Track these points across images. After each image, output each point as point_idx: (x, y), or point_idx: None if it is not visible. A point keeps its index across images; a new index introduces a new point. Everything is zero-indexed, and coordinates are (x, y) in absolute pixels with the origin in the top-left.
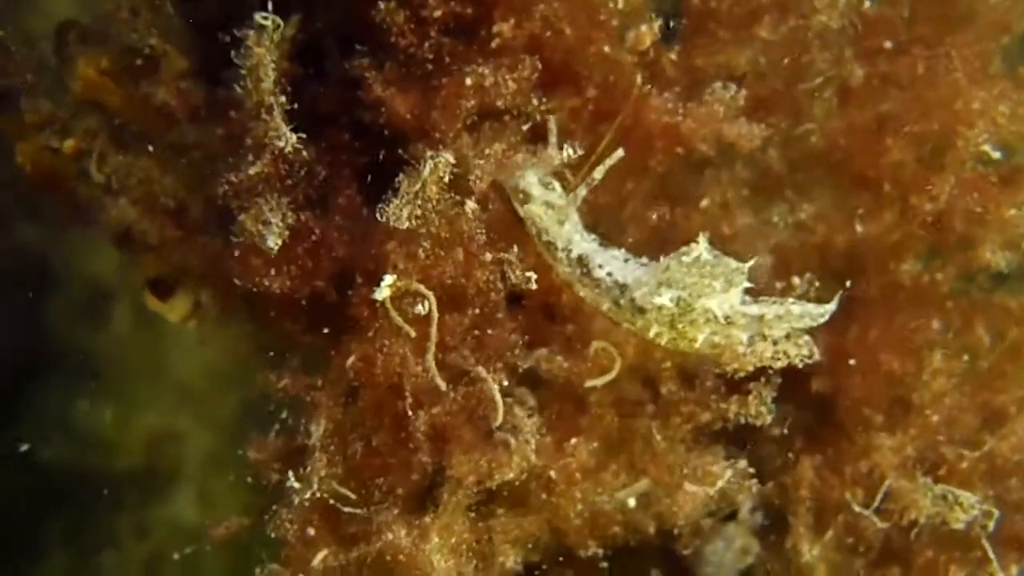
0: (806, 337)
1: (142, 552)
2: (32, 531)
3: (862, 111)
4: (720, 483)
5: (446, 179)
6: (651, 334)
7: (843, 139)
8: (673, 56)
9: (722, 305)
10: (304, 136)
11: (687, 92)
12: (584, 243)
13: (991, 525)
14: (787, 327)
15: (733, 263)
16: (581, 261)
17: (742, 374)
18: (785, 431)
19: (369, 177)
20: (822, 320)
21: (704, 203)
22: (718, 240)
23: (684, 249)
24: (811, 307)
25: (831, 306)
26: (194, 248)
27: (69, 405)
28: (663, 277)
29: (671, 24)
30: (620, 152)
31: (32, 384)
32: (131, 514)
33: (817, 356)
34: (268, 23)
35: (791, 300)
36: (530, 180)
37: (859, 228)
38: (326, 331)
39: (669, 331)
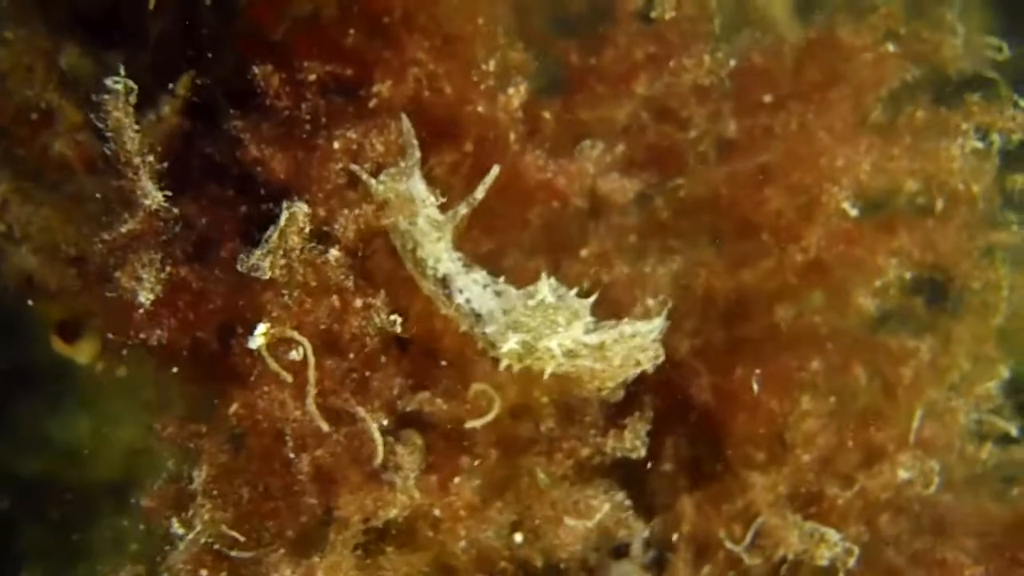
0: (655, 343)
1: (119, 563)
2: (9, 543)
3: (743, 161)
4: (598, 516)
5: (306, 228)
6: (502, 366)
7: (725, 188)
8: (547, 115)
9: (563, 343)
10: (188, 191)
11: (572, 143)
12: (449, 263)
13: (851, 562)
14: (624, 348)
15: (576, 303)
16: (444, 282)
17: (610, 388)
18: (673, 467)
19: (253, 229)
20: (653, 335)
21: (583, 253)
22: (598, 288)
23: (530, 290)
24: (641, 325)
25: (659, 321)
26: (93, 295)
27: (46, 419)
28: (510, 320)
29: None
30: (496, 170)
31: (9, 399)
32: (107, 525)
33: (662, 357)
34: (120, 87)
35: (625, 322)
36: (419, 186)
37: (741, 275)
38: (209, 379)
39: (518, 363)
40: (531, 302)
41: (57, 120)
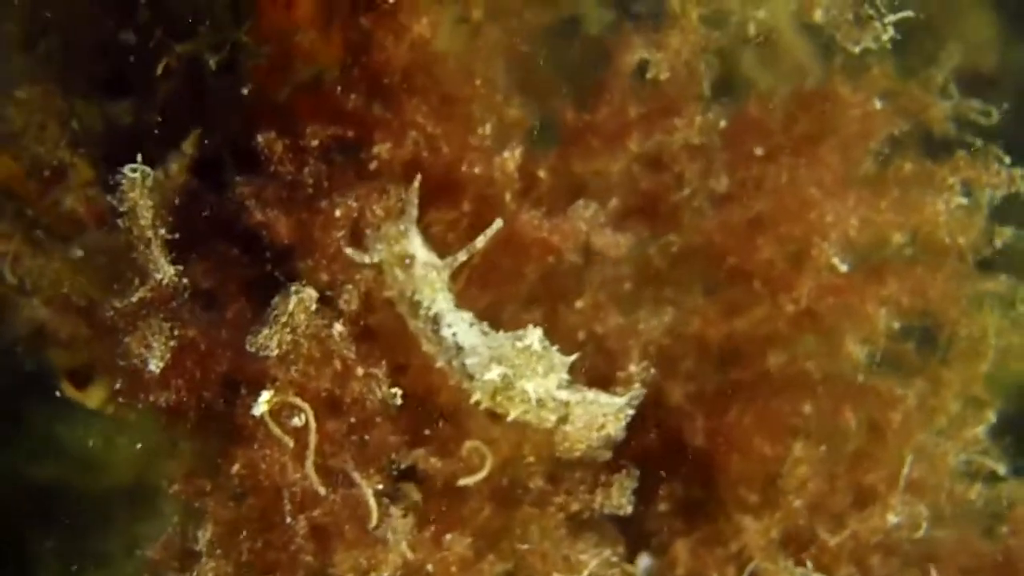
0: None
1: (131, 569)
2: (24, 550)
3: (736, 210)
4: (586, 572)
5: (312, 308)
6: (472, 399)
7: (718, 236)
8: (543, 173)
9: (538, 389)
10: (194, 250)
11: (568, 196)
12: (443, 303)
13: None
14: (587, 413)
15: (557, 358)
16: (435, 319)
17: (575, 453)
18: (668, 509)
19: (259, 289)
20: (613, 410)
21: (578, 304)
22: (592, 339)
23: (520, 333)
24: (605, 398)
25: (622, 400)
26: (102, 345)
27: (58, 425)
28: (496, 353)
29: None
30: (499, 223)
31: (23, 405)
32: (119, 532)
33: (622, 436)
34: (137, 176)
35: (594, 391)
36: (415, 242)
37: (733, 322)
38: (213, 437)
39: (489, 400)
40: (519, 344)
41: (68, 176)
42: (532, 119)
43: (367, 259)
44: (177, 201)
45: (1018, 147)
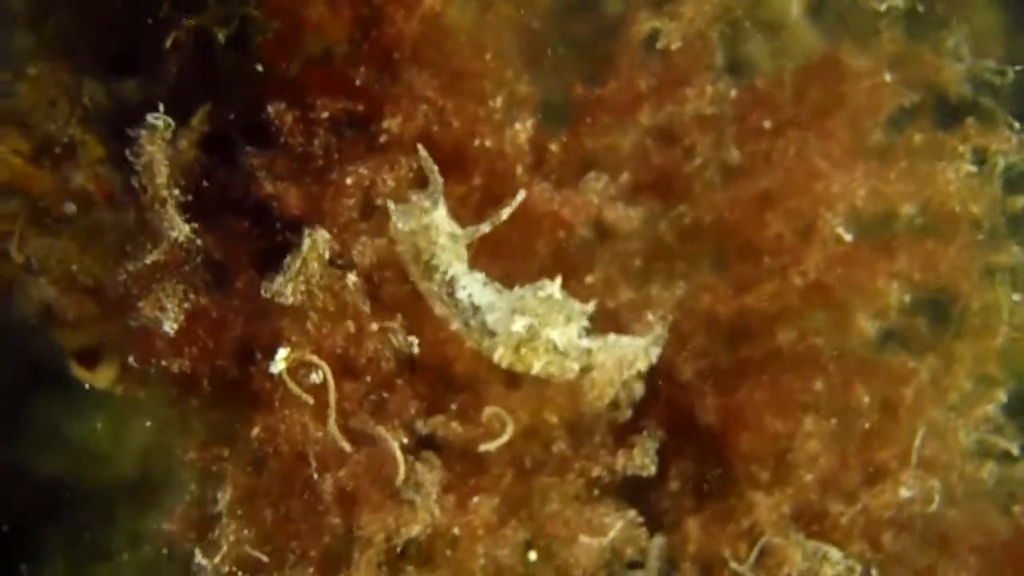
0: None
1: (135, 562)
2: (29, 543)
3: (745, 186)
4: (612, 533)
5: (326, 255)
6: (495, 356)
7: (728, 212)
8: (554, 146)
9: (562, 337)
10: (205, 223)
11: (580, 171)
12: (459, 265)
13: None
14: (612, 356)
15: (578, 306)
16: (451, 282)
17: (610, 395)
18: (679, 486)
19: (269, 259)
20: (642, 350)
21: (589, 279)
22: (603, 314)
23: (539, 284)
24: (628, 340)
25: (645, 341)
26: (111, 324)
27: (63, 418)
28: (517, 305)
29: None
30: (522, 194)
31: (27, 398)
32: (124, 525)
33: (654, 360)
34: (159, 123)
35: (614, 335)
36: (442, 213)
37: (744, 298)
38: (229, 405)
39: (512, 355)
40: (541, 293)
41: (79, 153)
42: (543, 94)
43: (400, 226)
44: (187, 175)
45: None
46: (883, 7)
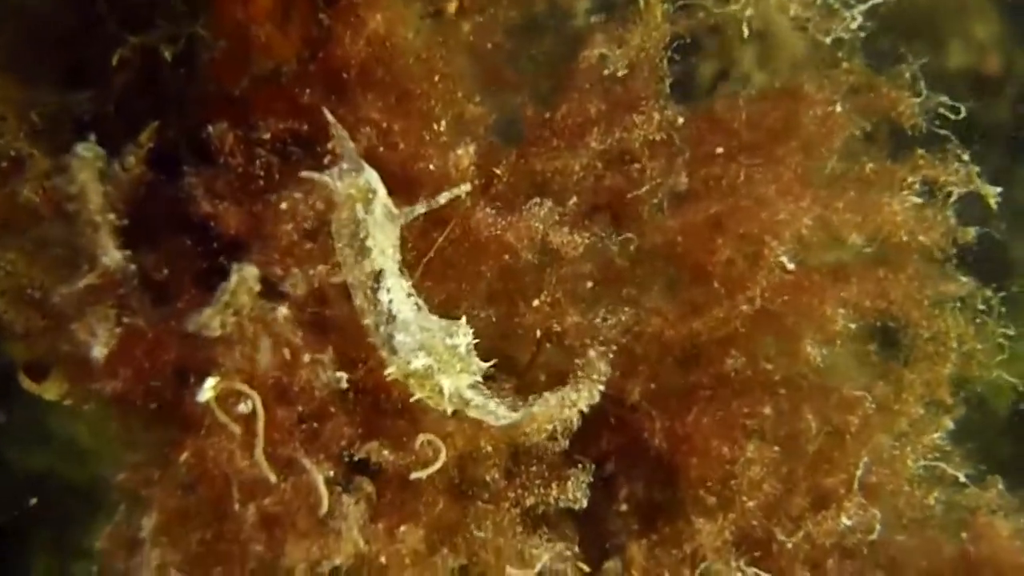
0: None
1: None
2: (13, 539)
3: (696, 210)
4: (539, 565)
5: (256, 288)
6: (385, 368)
7: (680, 236)
8: (499, 170)
9: (451, 386)
10: (148, 241)
11: (530, 193)
12: (390, 260)
13: None
14: (481, 417)
15: (477, 364)
16: (377, 276)
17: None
18: (628, 509)
19: (212, 279)
20: (500, 423)
21: (536, 303)
22: (553, 337)
23: (452, 328)
24: (499, 409)
25: (514, 416)
26: (58, 337)
27: (47, 415)
28: (425, 341)
29: None
30: (466, 187)
31: (10, 395)
32: (107, 523)
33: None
34: (90, 154)
35: (495, 400)
36: (374, 176)
37: (693, 323)
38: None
39: (400, 376)
40: (449, 341)
41: (27, 168)
42: (499, 115)
43: (331, 183)
44: (133, 192)
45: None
46: (828, 39)
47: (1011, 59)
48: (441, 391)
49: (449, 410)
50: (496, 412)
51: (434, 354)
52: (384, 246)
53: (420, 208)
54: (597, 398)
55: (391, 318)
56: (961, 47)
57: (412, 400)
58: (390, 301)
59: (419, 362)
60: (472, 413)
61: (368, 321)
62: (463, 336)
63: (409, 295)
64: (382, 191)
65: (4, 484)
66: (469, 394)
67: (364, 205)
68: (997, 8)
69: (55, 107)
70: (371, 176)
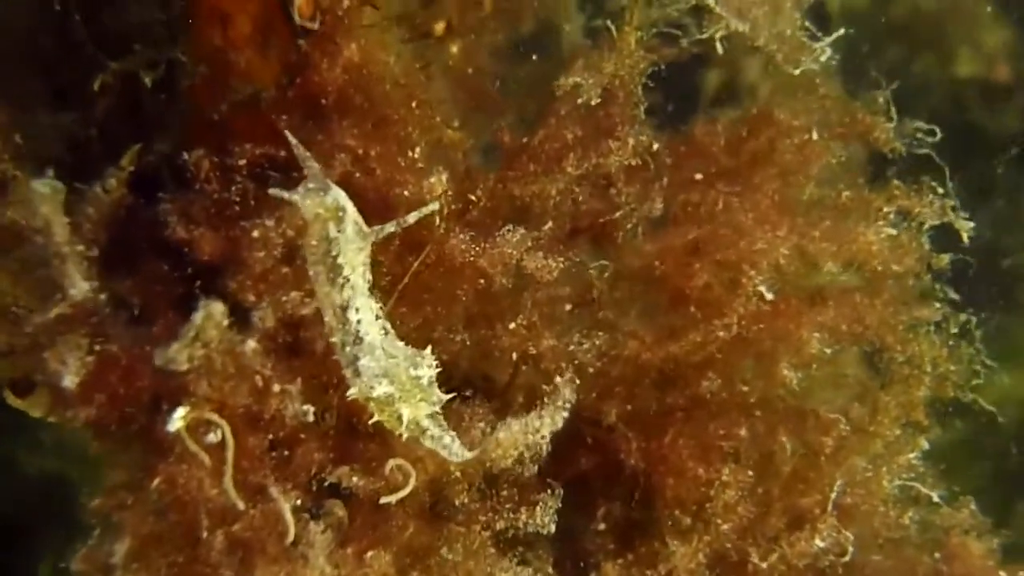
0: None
1: None
2: (23, 541)
3: (675, 235)
4: None
5: (223, 323)
6: (348, 389)
7: (657, 261)
8: (476, 195)
9: (410, 414)
10: (125, 266)
11: (508, 217)
12: (360, 280)
13: None
14: (434, 448)
15: (438, 395)
16: (348, 296)
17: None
18: (605, 529)
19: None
20: (453, 458)
21: (512, 325)
22: (528, 360)
23: (417, 359)
24: (453, 444)
25: (467, 455)
26: (41, 356)
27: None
28: (390, 369)
29: None
30: (435, 206)
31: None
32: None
33: (559, 425)
34: (47, 190)
35: (451, 434)
36: (341, 193)
37: (669, 347)
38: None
39: (361, 398)
40: (413, 372)
41: (9, 189)
42: (484, 138)
43: (299, 201)
44: (114, 216)
45: None
46: (797, 71)
47: (1020, 68)
48: (400, 418)
49: (405, 435)
50: (451, 447)
51: (396, 383)
52: (355, 263)
53: (390, 227)
54: (560, 425)
55: (358, 339)
56: (970, 56)
57: (371, 422)
58: (358, 322)
59: (381, 389)
60: (427, 443)
61: (335, 340)
62: (427, 368)
63: (377, 317)
64: (351, 208)
65: (13, 485)
66: (426, 423)
67: (336, 224)
68: (1006, 17)
69: (39, 129)
70: (338, 195)
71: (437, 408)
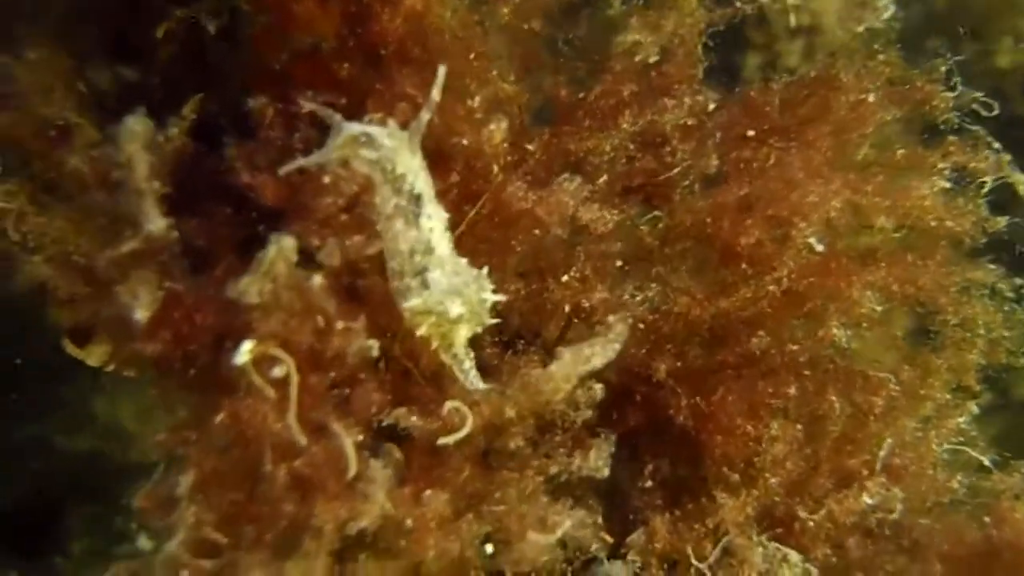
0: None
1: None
2: (55, 520)
3: (727, 192)
4: (559, 531)
5: (293, 258)
6: (405, 302)
7: (709, 217)
8: (531, 147)
9: (459, 336)
10: (189, 209)
11: (561, 171)
12: (424, 183)
13: None
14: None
15: (489, 320)
16: (418, 200)
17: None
18: (653, 485)
19: (250, 246)
20: (466, 384)
21: (565, 278)
22: (581, 312)
23: (484, 281)
24: (471, 372)
25: (480, 388)
26: (102, 303)
27: (91, 397)
28: (459, 287)
29: None
30: (442, 71)
31: (56, 377)
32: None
33: (613, 356)
34: (139, 128)
35: (471, 360)
36: (355, 125)
37: (720, 303)
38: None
39: (421, 308)
40: (484, 295)
41: (74, 137)
42: (533, 98)
43: (332, 160)
44: (176, 163)
45: None
46: (860, 28)
47: None
48: (452, 338)
49: (433, 345)
50: (468, 373)
51: (467, 304)
52: (415, 168)
53: (425, 115)
54: (612, 357)
55: (429, 250)
56: (1011, 45)
57: (419, 334)
58: (431, 229)
59: (456, 309)
60: (447, 359)
61: (404, 247)
62: (490, 293)
63: (446, 229)
64: (372, 129)
65: (48, 465)
66: (461, 344)
67: (369, 148)
68: None
69: (102, 79)
70: (350, 127)
71: (479, 331)
